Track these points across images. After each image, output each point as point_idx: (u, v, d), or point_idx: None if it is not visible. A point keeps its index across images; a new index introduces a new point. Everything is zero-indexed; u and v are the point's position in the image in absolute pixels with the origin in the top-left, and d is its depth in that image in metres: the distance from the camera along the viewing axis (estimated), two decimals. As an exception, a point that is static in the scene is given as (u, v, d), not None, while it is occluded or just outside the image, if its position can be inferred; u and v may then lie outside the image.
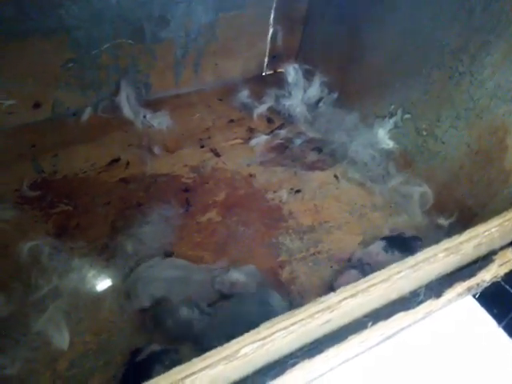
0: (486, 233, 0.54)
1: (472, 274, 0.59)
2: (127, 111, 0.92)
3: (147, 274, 0.65)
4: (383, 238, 0.72)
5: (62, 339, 0.55)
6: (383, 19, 0.84)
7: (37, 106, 0.88)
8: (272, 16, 1.03)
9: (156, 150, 0.89)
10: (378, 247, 0.70)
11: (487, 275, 0.60)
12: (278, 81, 1.02)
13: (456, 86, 0.72)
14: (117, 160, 0.86)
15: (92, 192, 0.79)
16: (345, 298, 0.46)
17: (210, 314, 0.60)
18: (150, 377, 0.36)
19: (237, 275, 0.64)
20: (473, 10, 0.67)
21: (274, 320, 0.42)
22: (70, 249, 0.67)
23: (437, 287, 0.56)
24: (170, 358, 0.54)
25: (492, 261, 0.60)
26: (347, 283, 0.53)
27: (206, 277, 0.65)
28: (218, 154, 0.91)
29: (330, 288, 0.66)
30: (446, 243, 0.52)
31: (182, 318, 0.59)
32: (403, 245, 0.70)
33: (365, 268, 0.67)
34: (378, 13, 0.85)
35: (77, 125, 0.91)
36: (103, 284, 0.65)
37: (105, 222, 0.74)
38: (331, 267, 0.72)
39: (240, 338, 0.41)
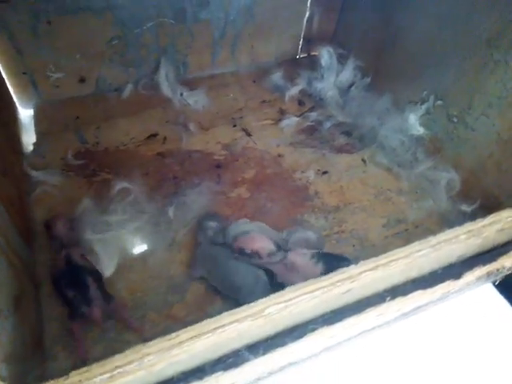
0: (509, 218, 0.55)
1: (492, 259, 0.60)
2: (166, 89, 0.96)
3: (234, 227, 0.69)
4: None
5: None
6: (419, 4, 0.84)
7: (82, 80, 0.93)
8: (309, -1, 1.03)
9: (191, 127, 0.93)
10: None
11: (508, 262, 0.61)
12: (312, 64, 1.03)
13: (490, 74, 0.72)
14: (155, 135, 0.91)
15: (131, 164, 0.84)
16: (365, 271, 0.49)
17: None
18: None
19: (309, 233, 0.67)
20: (513, -4, 0.66)
21: (299, 285, 0.46)
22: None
23: (456, 269, 0.57)
24: None
25: (513, 247, 0.61)
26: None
27: (280, 239, 0.67)
28: (249, 134, 0.94)
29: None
30: (469, 226, 0.54)
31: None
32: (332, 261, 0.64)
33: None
34: (415, -2, 0.85)
35: (118, 100, 0.96)
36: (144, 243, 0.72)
37: (142, 191, 0.79)
38: (353, 246, 0.74)
39: (266, 299, 0.44)
